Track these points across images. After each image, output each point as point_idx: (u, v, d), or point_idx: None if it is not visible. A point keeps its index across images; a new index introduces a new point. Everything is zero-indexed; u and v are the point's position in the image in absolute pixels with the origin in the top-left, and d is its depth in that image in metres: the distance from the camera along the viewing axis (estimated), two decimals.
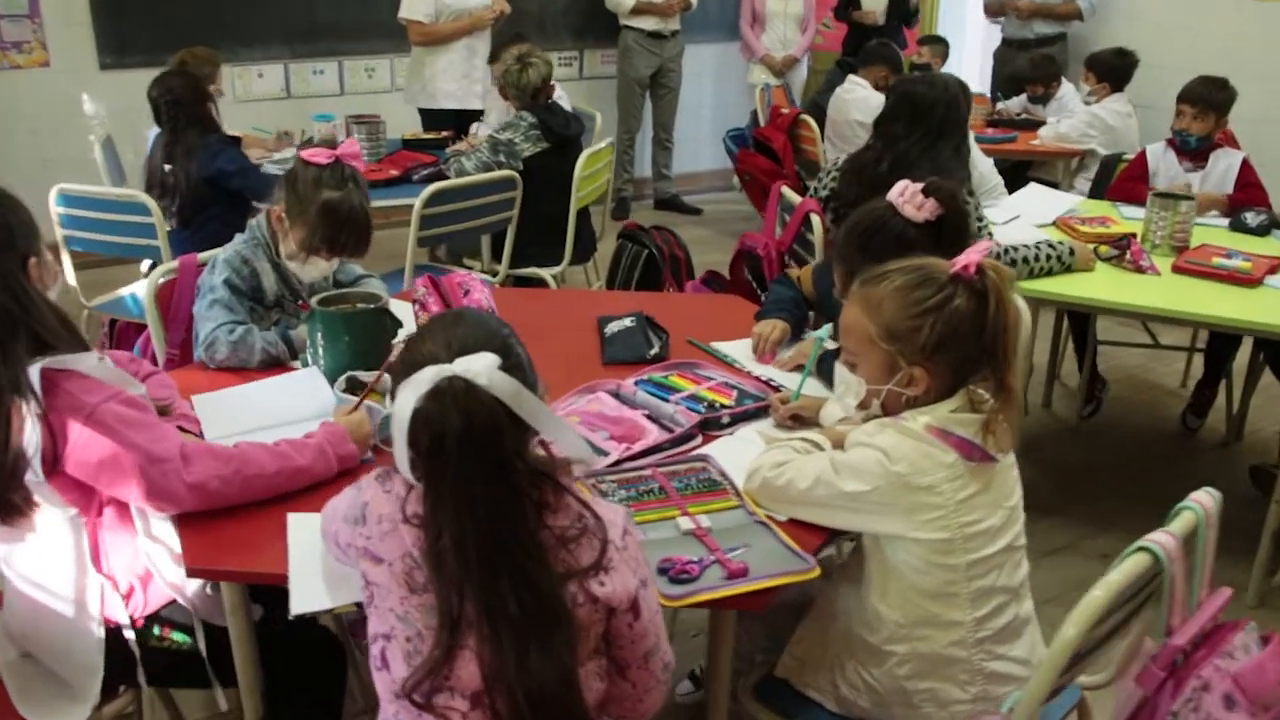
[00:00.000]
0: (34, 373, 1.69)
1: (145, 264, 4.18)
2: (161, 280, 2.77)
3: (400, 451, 1.38)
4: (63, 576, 1.81)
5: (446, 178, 4.32)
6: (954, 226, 2.29)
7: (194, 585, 1.85)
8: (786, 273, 2.95)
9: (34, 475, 1.72)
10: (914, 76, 3.70)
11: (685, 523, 1.86)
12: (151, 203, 3.57)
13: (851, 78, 5.66)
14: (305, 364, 2.39)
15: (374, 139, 4.68)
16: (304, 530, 1.77)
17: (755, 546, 1.80)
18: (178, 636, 1.91)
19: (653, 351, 2.57)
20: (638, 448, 2.11)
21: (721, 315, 2.96)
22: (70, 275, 3.74)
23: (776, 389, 2.38)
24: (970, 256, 1.80)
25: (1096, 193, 4.68)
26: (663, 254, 4.78)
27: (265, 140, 4.79)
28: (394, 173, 4.38)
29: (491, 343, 1.40)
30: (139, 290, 3.89)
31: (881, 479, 1.79)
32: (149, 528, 1.80)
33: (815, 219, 3.43)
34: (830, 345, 2.27)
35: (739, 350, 2.61)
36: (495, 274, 4.29)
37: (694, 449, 2.16)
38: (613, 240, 4.81)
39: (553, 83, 4.51)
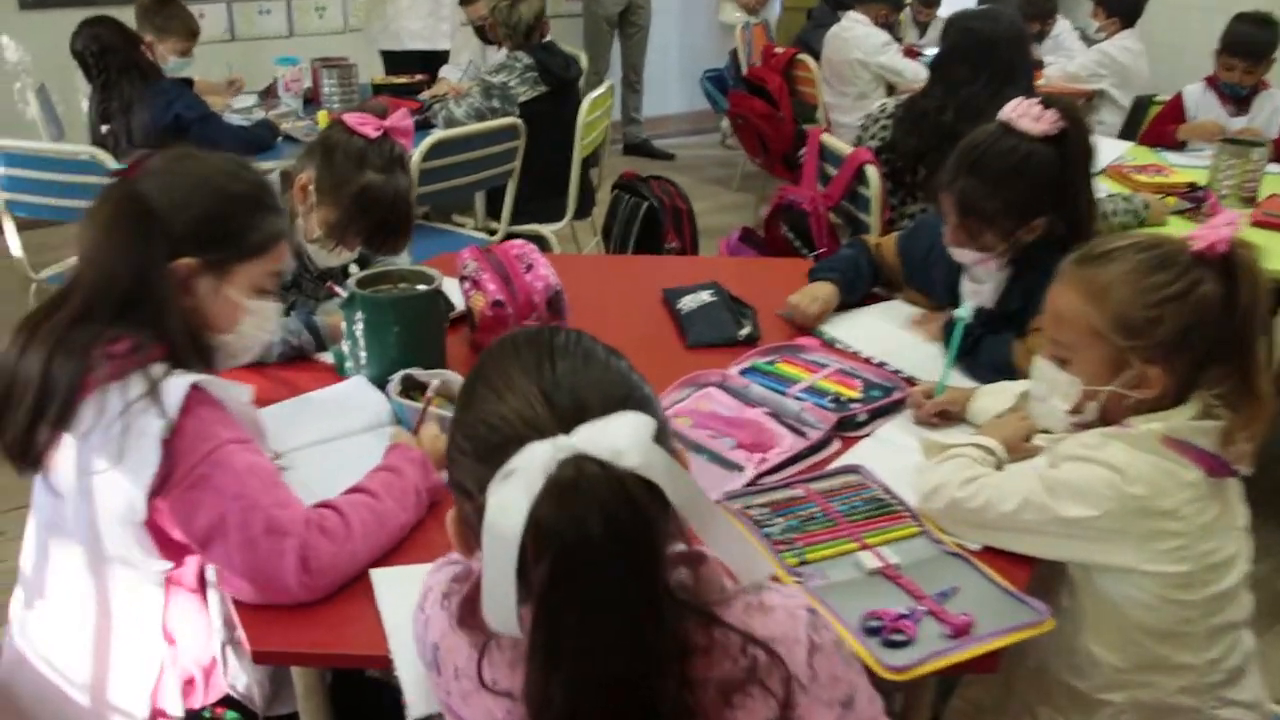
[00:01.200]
0: (178, 386, 1.31)
1: None
2: None
3: (500, 594, 0.87)
4: (126, 652, 1.40)
5: (433, 127, 3.87)
6: (1077, 141, 2.00)
7: (254, 670, 1.44)
8: (863, 236, 2.59)
9: (132, 512, 1.31)
10: (971, 11, 3.33)
11: (868, 559, 1.51)
12: (105, 157, 3.07)
13: (850, 14, 5.27)
14: (339, 358, 1.97)
15: (346, 85, 4.17)
16: (395, 590, 1.38)
17: (966, 590, 1.46)
18: (231, 717, 1.51)
19: (744, 332, 2.20)
20: (774, 458, 1.74)
21: (796, 284, 2.60)
22: (15, 245, 3.22)
23: (907, 379, 2.03)
24: (1217, 232, 1.46)
25: (1128, 137, 4.39)
26: (664, 206, 4.38)
27: (216, 86, 4.25)
28: None
29: (621, 391, 0.93)
30: None
31: (1113, 502, 1.45)
32: (230, 608, 1.38)
33: (872, 172, 3.07)
34: (964, 316, 1.93)
35: (844, 330, 2.25)
36: (493, 232, 3.85)
37: (834, 455, 1.80)
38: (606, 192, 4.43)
39: (546, 19, 4.06)
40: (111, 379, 1.31)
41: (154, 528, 1.33)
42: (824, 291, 2.27)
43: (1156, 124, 4.20)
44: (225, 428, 1.35)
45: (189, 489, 1.30)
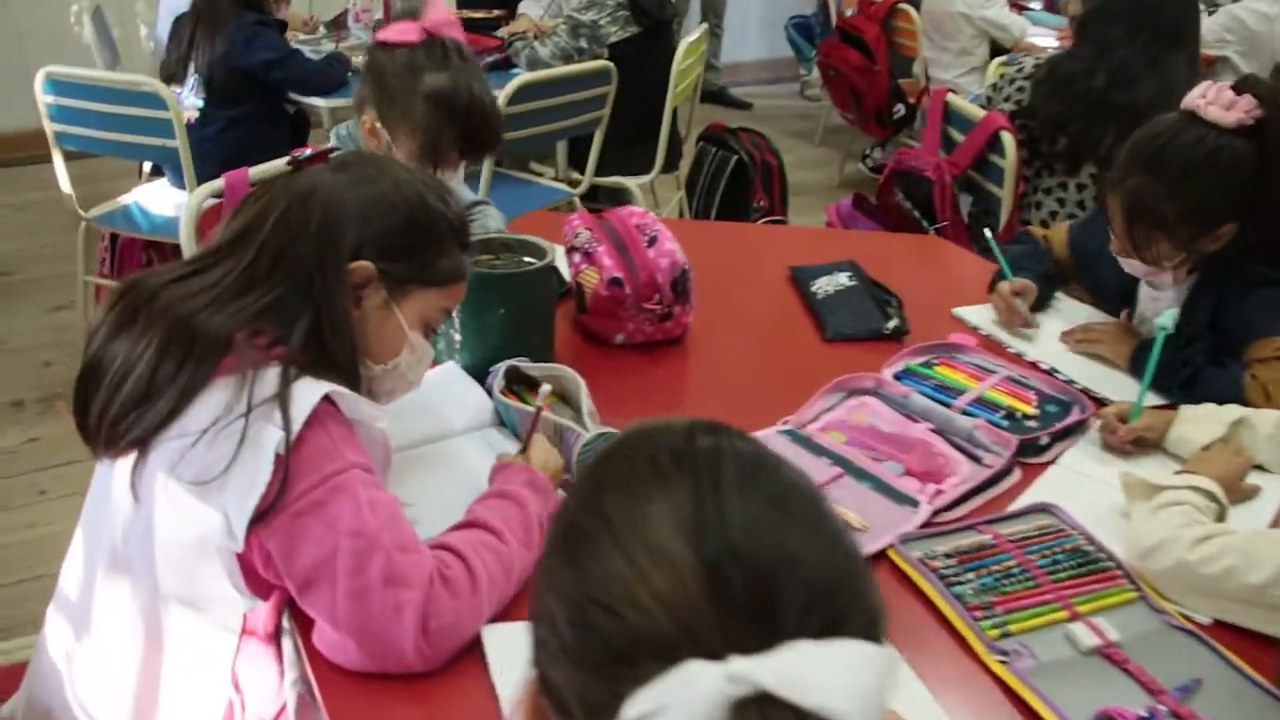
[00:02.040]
0: (309, 393, 1.08)
1: (147, 166, 3.43)
2: (206, 204, 2.05)
3: None
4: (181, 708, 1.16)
5: (514, 67, 3.57)
6: (1278, 133, 1.65)
7: None
8: (1028, 229, 2.27)
9: (228, 538, 1.06)
10: None
11: (1083, 634, 1.23)
12: (168, 93, 2.81)
13: None
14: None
15: (412, 11, 3.86)
16: (512, 652, 1.12)
17: (1210, 682, 1.17)
18: None
19: (890, 324, 1.91)
20: (951, 491, 1.46)
21: (935, 266, 2.30)
22: (64, 180, 2.98)
23: (1083, 391, 1.73)
24: None
25: None
26: (753, 161, 4.09)
27: (295, 19, 3.95)
28: None
29: (831, 576, 0.59)
30: (144, 199, 3.15)
31: None
32: (306, 664, 1.13)
33: (1008, 139, 2.74)
34: (1166, 326, 1.62)
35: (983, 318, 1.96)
36: (574, 184, 3.56)
37: (1015, 489, 1.51)
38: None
39: None
40: (239, 372, 1.07)
41: (242, 560, 1.08)
42: (1029, 285, 1.96)
43: None
44: (353, 450, 1.10)
45: (298, 516, 1.05)
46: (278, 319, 1.13)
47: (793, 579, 0.57)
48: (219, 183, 2.00)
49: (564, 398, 1.56)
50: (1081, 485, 1.53)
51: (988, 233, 2.02)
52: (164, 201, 3.11)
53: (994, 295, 1.96)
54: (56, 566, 1.27)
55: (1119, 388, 1.76)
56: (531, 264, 1.63)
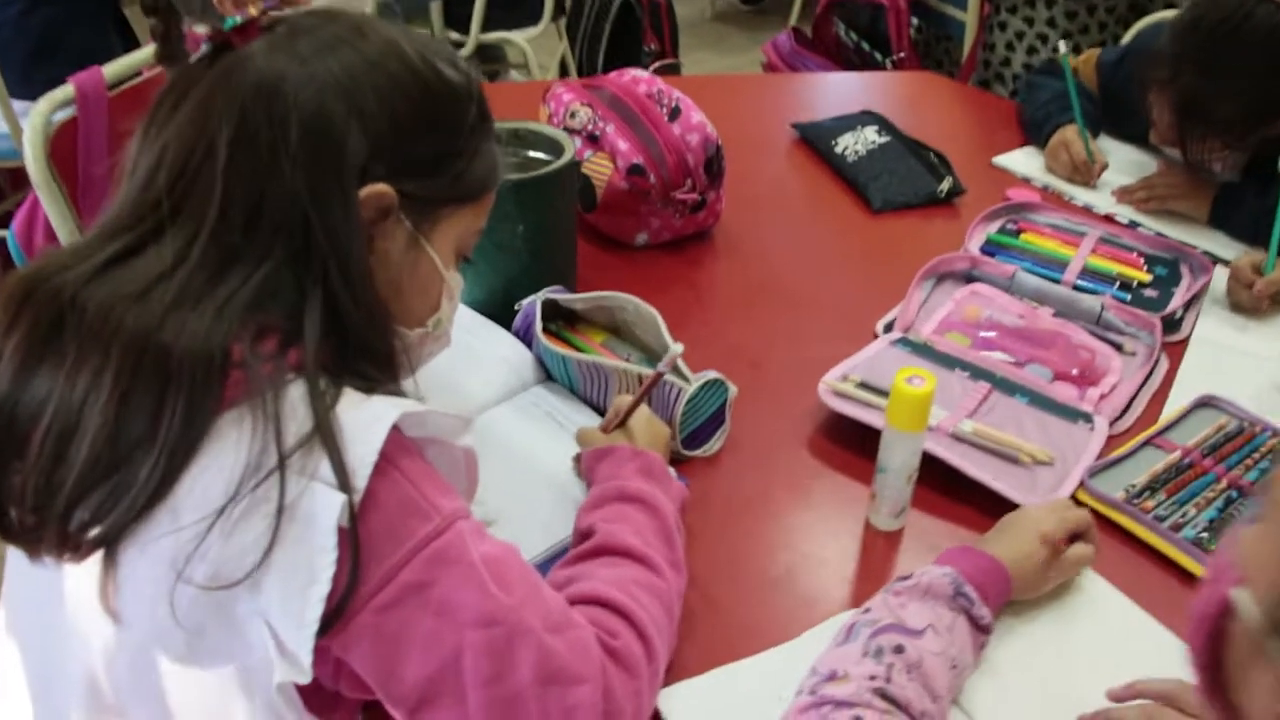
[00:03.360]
0: (370, 418, 0.70)
1: None
2: (57, 120, 1.55)
3: None
4: None
5: None
6: None
7: None
8: (1054, 59, 1.97)
9: (287, 664, 0.69)
10: None
11: None
12: None
13: None
14: None
15: None
16: None
17: None
18: None
19: (944, 186, 1.60)
20: (1116, 398, 1.19)
21: (932, 103, 1.99)
22: None
23: (1185, 245, 1.48)
24: None
25: None
26: (639, 1, 3.69)
27: None
28: None
29: None
30: None
31: None
32: None
33: None
34: None
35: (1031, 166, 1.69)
36: (461, 46, 3.08)
37: (1166, 380, 1.26)
38: None
39: None
40: (249, 404, 0.68)
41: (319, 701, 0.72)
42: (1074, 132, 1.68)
43: None
44: (442, 493, 0.73)
45: (387, 611, 0.69)
46: (280, 304, 0.73)
47: None
48: (67, 89, 1.50)
49: (616, 331, 1.21)
50: (1229, 362, 1.29)
51: (1065, 54, 1.70)
52: None
53: (1055, 143, 1.67)
54: None
55: (1210, 239, 1.52)
56: (549, 161, 1.24)
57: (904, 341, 1.23)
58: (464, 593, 0.70)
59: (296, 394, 0.70)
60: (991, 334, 1.26)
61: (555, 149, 1.25)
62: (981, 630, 0.85)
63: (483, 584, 0.71)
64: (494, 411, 1.12)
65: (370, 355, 0.78)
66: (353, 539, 0.67)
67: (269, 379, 0.70)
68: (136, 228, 0.73)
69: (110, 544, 0.69)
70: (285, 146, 0.72)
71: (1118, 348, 1.27)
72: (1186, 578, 0.99)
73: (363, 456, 0.68)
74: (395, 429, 0.70)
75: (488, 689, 0.70)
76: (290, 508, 0.67)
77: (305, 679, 0.68)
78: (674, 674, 0.84)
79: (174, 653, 0.70)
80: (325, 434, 0.68)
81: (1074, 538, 0.94)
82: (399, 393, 0.79)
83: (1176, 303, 1.34)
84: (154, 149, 0.74)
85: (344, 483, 0.67)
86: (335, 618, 0.68)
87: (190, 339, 0.69)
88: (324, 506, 0.67)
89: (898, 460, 0.96)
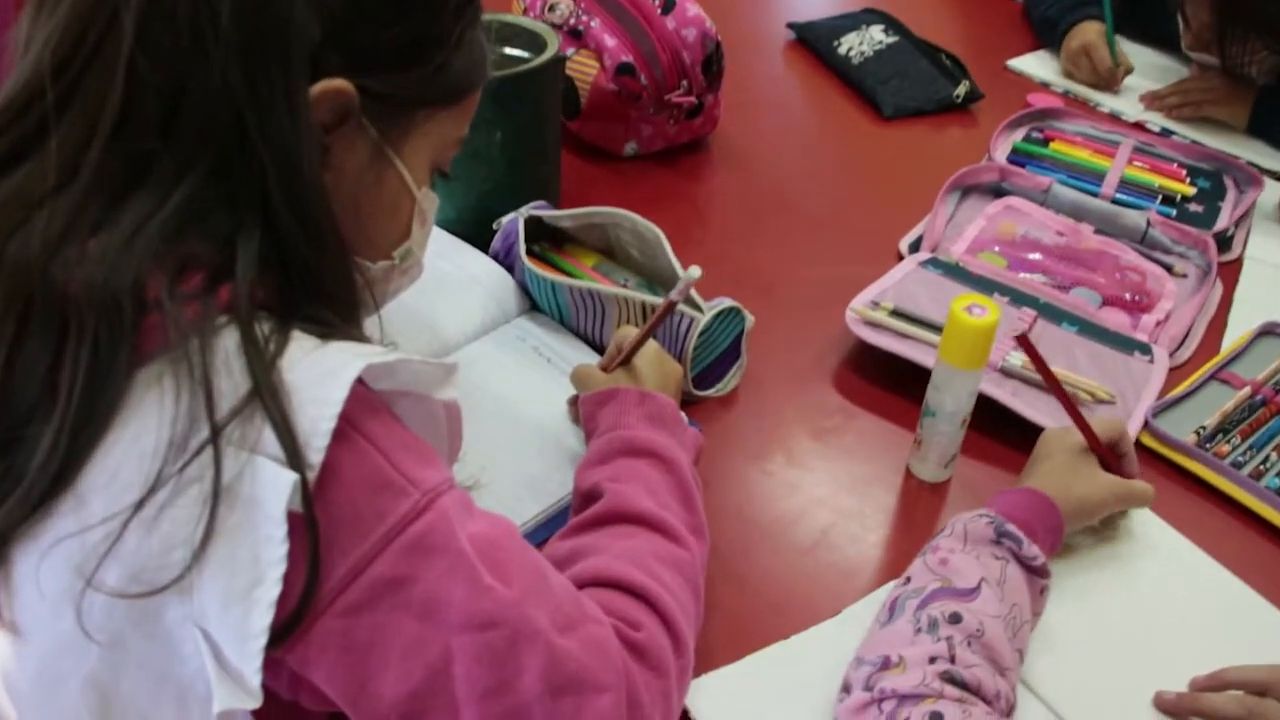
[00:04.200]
0: (323, 372, 0.55)
1: None
2: None
3: None
4: None
5: None
6: None
7: None
8: None
9: (228, 686, 0.53)
10: None
11: None
12: None
13: None
14: None
15: None
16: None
17: None
18: None
19: (960, 90, 1.45)
20: (1173, 326, 1.06)
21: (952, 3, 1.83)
22: None
23: (1225, 154, 1.34)
24: None
25: None
26: None
27: None
28: None
29: None
30: None
31: None
32: None
33: None
34: None
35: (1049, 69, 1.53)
36: None
37: (1223, 303, 1.13)
38: None
39: None
40: (172, 355, 0.53)
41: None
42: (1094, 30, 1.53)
43: None
44: (419, 459, 0.58)
45: (355, 614, 0.54)
46: (207, 232, 0.57)
47: None
48: None
49: (608, 253, 1.05)
50: None
51: None
52: None
53: (1075, 46, 1.51)
54: None
55: (1249, 149, 1.38)
56: (529, 59, 1.07)
57: (934, 263, 1.09)
58: (452, 587, 0.55)
59: (230, 344, 0.54)
60: (1031, 255, 1.12)
61: (536, 45, 1.08)
62: (1037, 574, 0.72)
63: (474, 574, 0.56)
64: (471, 348, 0.97)
65: (324, 294, 0.62)
66: (309, 526, 0.52)
67: (194, 325, 0.54)
68: (18, 126, 0.57)
69: (1, 544, 0.54)
70: (213, 24, 0.56)
71: (1168, 269, 1.13)
72: (1269, 531, 0.86)
73: (317, 421, 0.53)
74: (359, 384, 0.55)
75: (486, 704, 0.56)
76: (228, 490, 0.52)
77: (254, 703, 0.53)
78: (699, 664, 0.70)
79: (85, 671, 0.55)
80: (267, 394, 0.53)
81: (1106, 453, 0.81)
82: (361, 338, 0.63)
83: (1226, 219, 1.21)
84: (49, 21, 0.57)
85: (294, 456, 0.52)
86: (291, 626, 0.53)
87: (91, 276, 0.53)
88: (270, 487, 0.52)
89: (951, 402, 0.82)
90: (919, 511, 0.85)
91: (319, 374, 0.54)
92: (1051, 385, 0.78)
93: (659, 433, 0.78)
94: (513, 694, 0.56)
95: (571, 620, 0.59)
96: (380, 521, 0.55)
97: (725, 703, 0.69)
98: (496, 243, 1.03)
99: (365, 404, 0.57)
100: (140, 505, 0.51)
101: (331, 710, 0.59)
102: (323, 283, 0.62)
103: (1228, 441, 0.93)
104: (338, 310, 0.63)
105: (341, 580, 0.54)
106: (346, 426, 0.54)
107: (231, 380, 0.53)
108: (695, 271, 0.79)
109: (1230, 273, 1.17)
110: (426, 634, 0.55)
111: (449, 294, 1.00)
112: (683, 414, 0.83)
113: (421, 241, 0.75)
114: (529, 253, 1.02)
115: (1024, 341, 0.76)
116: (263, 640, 0.52)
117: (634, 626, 0.63)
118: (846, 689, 0.64)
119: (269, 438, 0.52)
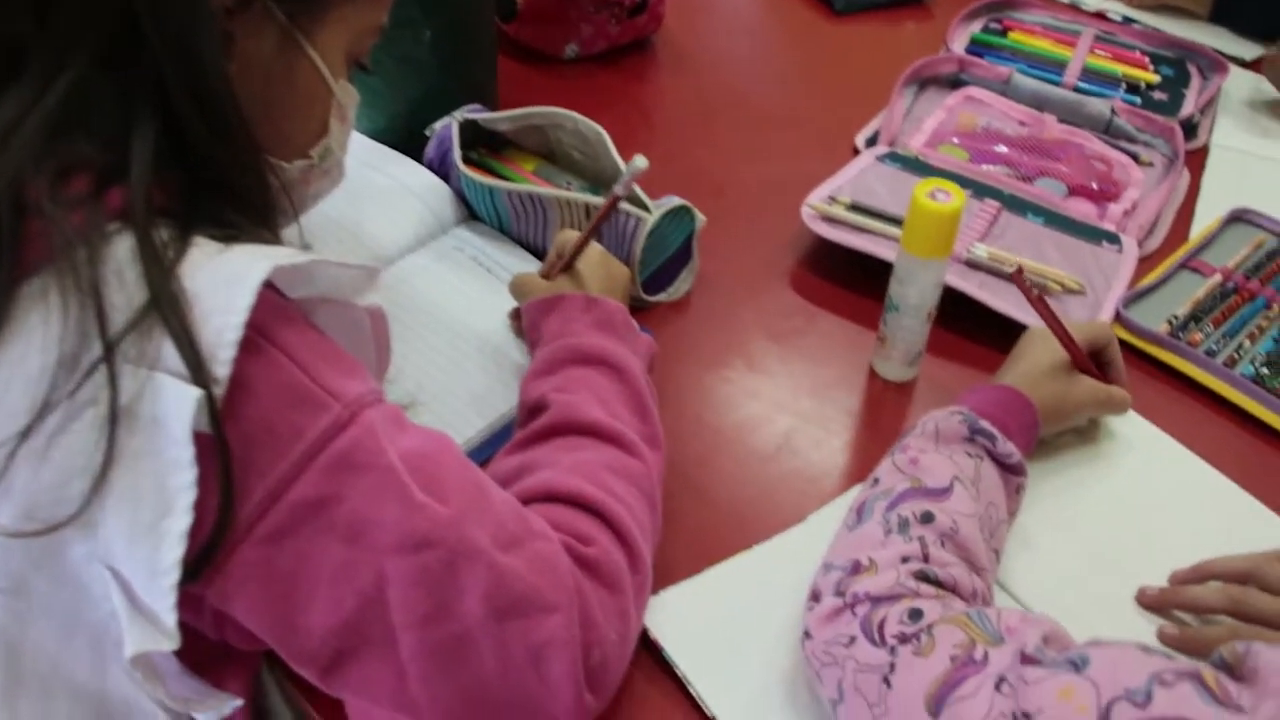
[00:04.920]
0: (227, 277, 0.49)
1: None
2: None
3: None
4: None
5: None
6: None
7: None
8: None
9: (142, 627, 0.49)
10: None
11: None
12: None
13: None
14: None
15: None
16: (692, 633, 0.64)
17: None
18: None
19: None
20: (1141, 214, 1.02)
21: None
22: None
23: (1192, 43, 1.30)
24: None
25: None
26: None
27: None
28: None
29: None
30: None
31: None
32: None
33: None
34: None
35: None
36: None
37: (1190, 194, 1.10)
38: None
39: None
40: (58, 265, 0.48)
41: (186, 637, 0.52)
42: None
43: None
44: (339, 370, 0.53)
45: (277, 541, 0.50)
46: (95, 128, 0.51)
47: None
48: None
49: (550, 157, 0.99)
50: (1257, 171, 1.14)
51: None
52: None
53: None
54: None
55: (1213, 36, 1.34)
56: None
57: (892, 156, 1.04)
58: (381, 506, 0.51)
59: (123, 252, 0.48)
60: (993, 146, 1.07)
61: None
62: (1012, 472, 0.68)
63: (406, 492, 0.51)
64: (407, 261, 0.91)
65: (233, 196, 0.56)
66: (219, 448, 0.47)
67: (80, 233, 0.48)
68: None
69: None
70: None
71: (1134, 158, 1.09)
72: (1246, 420, 0.83)
73: (222, 331, 0.47)
74: (269, 289, 0.50)
75: (425, 631, 0.51)
76: (127, 412, 0.46)
77: (170, 644, 0.48)
78: (657, 580, 0.66)
79: None
80: (166, 304, 0.47)
81: (1094, 355, 0.77)
82: (275, 242, 0.58)
83: (1191, 106, 1.17)
84: None
85: (198, 371, 0.46)
86: (206, 558, 0.49)
87: None
88: (173, 406, 0.46)
89: (915, 295, 0.77)
90: (885, 413, 0.81)
91: (222, 280, 0.48)
92: (1044, 315, 0.74)
93: (608, 339, 0.73)
94: (454, 619, 0.52)
95: (515, 537, 0.54)
96: (299, 438, 0.49)
97: (686, 619, 0.65)
98: (430, 150, 0.97)
99: (278, 312, 0.51)
100: (26, 434, 0.46)
101: (264, 649, 0.55)
102: (231, 184, 0.56)
103: (1200, 330, 0.89)
104: (250, 215, 0.57)
105: (259, 505, 0.49)
106: (257, 337, 0.49)
107: (125, 292, 0.47)
108: (640, 162, 0.74)
109: (1197, 160, 1.13)
110: (356, 558, 0.50)
111: (382, 206, 0.94)
112: (634, 321, 0.77)
113: (341, 140, 0.69)
114: (466, 160, 0.95)
115: (1018, 279, 0.72)
116: (175, 576, 0.47)
117: (585, 542, 0.58)
118: (816, 597, 0.60)
119: (170, 352, 0.46)
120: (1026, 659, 0.51)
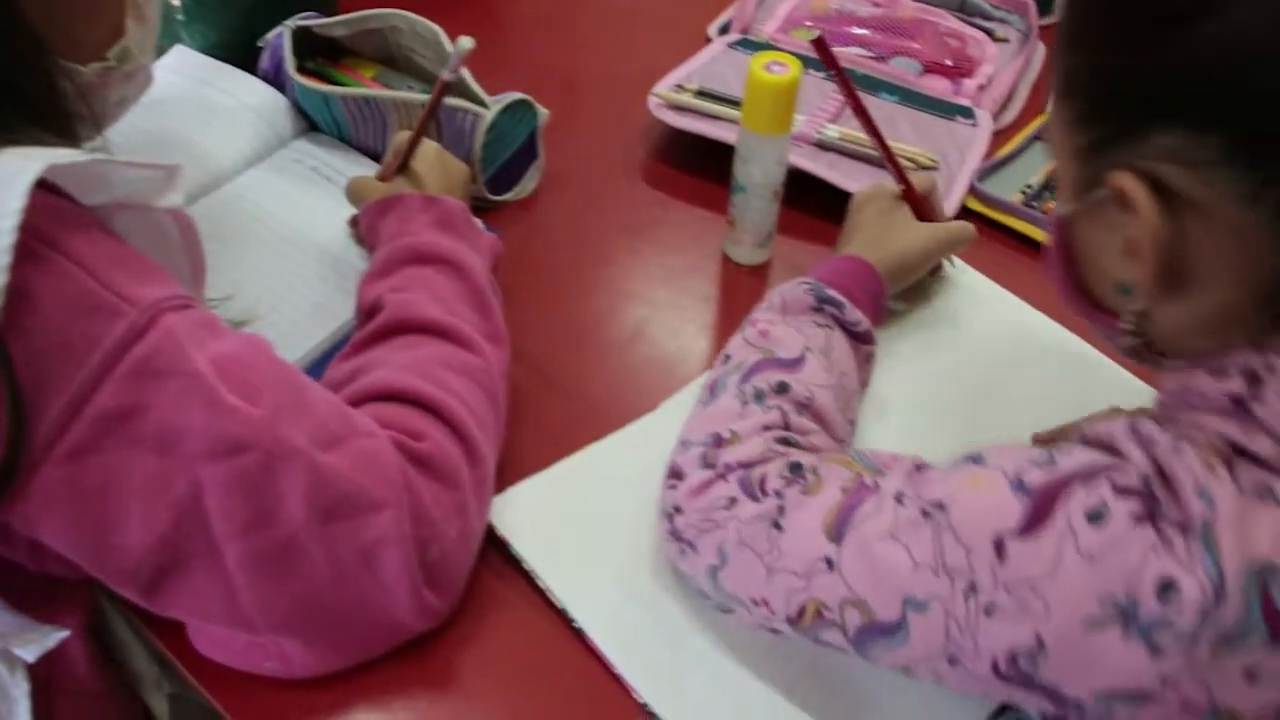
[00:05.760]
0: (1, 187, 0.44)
1: None
2: None
3: None
4: None
5: None
6: None
7: None
8: None
9: None
10: None
11: None
12: None
13: None
14: None
15: None
16: (542, 529, 0.63)
17: None
18: None
19: None
20: (995, 88, 1.02)
21: None
22: None
23: None
24: None
25: None
26: None
27: None
28: None
29: None
30: None
31: None
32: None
33: None
34: None
35: None
36: None
37: (1045, 68, 1.10)
38: None
39: None
40: None
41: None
42: None
43: None
44: (135, 276, 0.49)
45: (80, 457, 0.47)
46: None
47: None
48: None
49: (390, 62, 0.95)
50: None
51: None
52: None
53: None
54: None
55: None
56: None
57: (744, 43, 1.02)
58: (189, 412, 0.48)
59: None
60: (846, 28, 1.06)
61: None
62: (861, 340, 0.68)
63: (214, 396, 0.49)
64: (244, 176, 0.87)
65: (18, 100, 0.52)
66: (3, 363, 0.44)
67: None
68: None
69: None
70: None
71: (989, 34, 1.08)
72: None
73: (8, 232, 0.44)
74: (52, 194, 0.46)
75: (249, 539, 0.49)
76: None
77: None
78: (506, 476, 0.64)
79: None
80: None
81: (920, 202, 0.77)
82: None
83: None
84: None
85: None
86: (4, 482, 0.46)
87: None
88: None
89: (760, 174, 0.76)
90: (739, 297, 0.80)
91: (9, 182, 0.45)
92: (855, 110, 0.73)
93: (447, 237, 0.70)
94: (277, 524, 0.50)
95: (336, 436, 0.52)
96: (94, 347, 0.47)
97: (534, 514, 0.64)
98: (264, 61, 0.92)
99: (64, 218, 0.48)
100: None
101: (88, 576, 0.52)
102: (14, 86, 0.52)
103: (1054, 198, 0.90)
104: (42, 122, 0.53)
105: (58, 420, 0.46)
106: (40, 245, 0.46)
107: None
108: (466, 42, 0.71)
109: (1051, 35, 1.13)
110: (167, 468, 0.48)
111: (218, 123, 0.89)
112: (477, 221, 0.75)
113: (142, 41, 0.65)
114: (303, 70, 0.91)
115: (819, 45, 0.70)
116: None
117: (416, 437, 0.56)
118: (677, 474, 0.59)
119: None
120: (918, 470, 0.51)
